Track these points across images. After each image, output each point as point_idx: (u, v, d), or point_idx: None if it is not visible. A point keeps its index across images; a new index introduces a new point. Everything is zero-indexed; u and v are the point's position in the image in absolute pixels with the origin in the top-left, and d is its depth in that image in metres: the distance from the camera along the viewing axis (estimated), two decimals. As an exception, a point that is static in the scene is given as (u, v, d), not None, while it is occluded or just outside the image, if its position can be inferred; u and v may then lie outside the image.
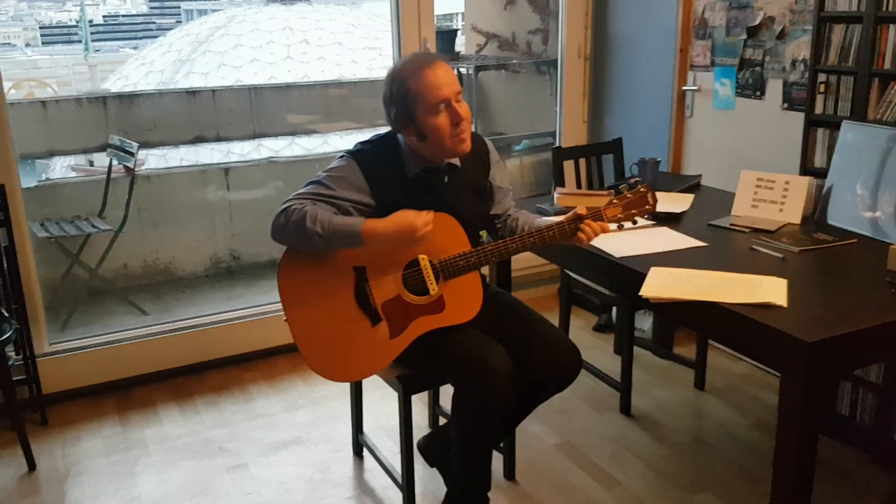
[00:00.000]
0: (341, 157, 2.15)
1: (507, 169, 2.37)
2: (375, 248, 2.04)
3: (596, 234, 2.13)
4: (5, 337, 2.60)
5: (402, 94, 2.06)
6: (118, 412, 3.10)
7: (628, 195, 2.17)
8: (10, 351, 2.86)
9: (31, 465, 2.72)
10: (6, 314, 2.82)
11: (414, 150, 2.15)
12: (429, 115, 2.05)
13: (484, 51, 5.84)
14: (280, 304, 2.10)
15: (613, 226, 2.17)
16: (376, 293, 2.09)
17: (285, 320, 2.10)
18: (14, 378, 2.76)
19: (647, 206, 2.18)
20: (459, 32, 5.90)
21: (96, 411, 3.10)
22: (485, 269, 2.29)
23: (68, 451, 2.83)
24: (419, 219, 2.01)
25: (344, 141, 6.28)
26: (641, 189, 2.18)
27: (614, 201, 2.17)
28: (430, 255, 2.10)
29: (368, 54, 8.06)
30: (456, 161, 2.21)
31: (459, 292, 2.12)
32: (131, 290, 4.60)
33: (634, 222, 2.19)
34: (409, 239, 2.02)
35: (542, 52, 5.44)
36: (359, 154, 2.15)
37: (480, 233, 2.32)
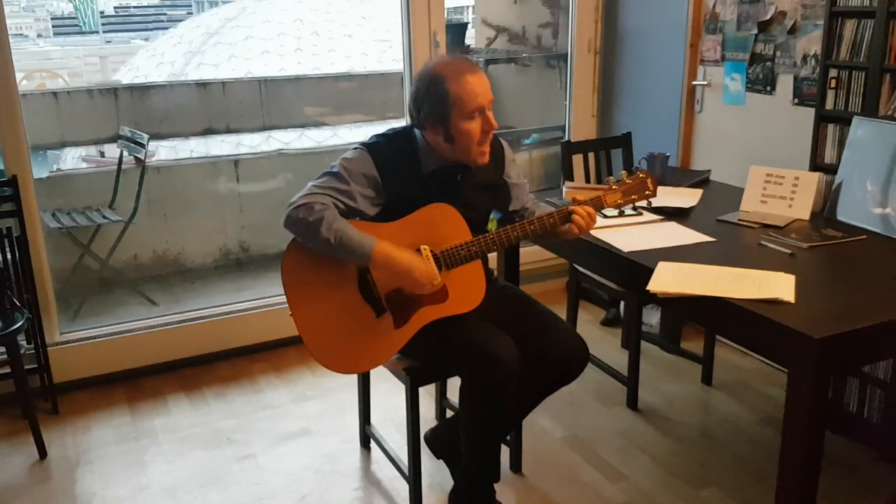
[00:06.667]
0: (356, 148, 2.15)
1: (518, 163, 2.38)
2: (378, 271, 2.06)
3: (588, 221, 2.12)
4: (17, 326, 2.62)
5: (441, 94, 2.04)
6: (128, 402, 3.12)
7: (627, 181, 2.20)
8: (21, 340, 2.88)
9: (43, 453, 2.75)
10: (18, 304, 2.84)
11: (432, 149, 2.15)
12: (463, 120, 2.06)
13: (494, 44, 5.83)
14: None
15: (614, 211, 2.18)
16: (380, 284, 2.10)
17: (290, 315, 2.11)
18: (25, 367, 2.79)
19: (646, 192, 2.21)
20: (470, 26, 5.89)
21: (106, 401, 3.13)
22: (493, 263, 2.30)
23: (79, 440, 2.86)
24: (429, 280, 2.04)
25: (353, 134, 6.27)
26: (640, 175, 2.21)
27: (614, 187, 2.19)
28: (431, 245, 2.10)
29: (379, 47, 8.04)
30: None
31: (462, 281, 2.13)
32: (141, 280, 4.62)
33: (635, 208, 2.20)
34: (411, 286, 2.05)
35: (552, 45, 5.43)
36: (374, 147, 2.15)
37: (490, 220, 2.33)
